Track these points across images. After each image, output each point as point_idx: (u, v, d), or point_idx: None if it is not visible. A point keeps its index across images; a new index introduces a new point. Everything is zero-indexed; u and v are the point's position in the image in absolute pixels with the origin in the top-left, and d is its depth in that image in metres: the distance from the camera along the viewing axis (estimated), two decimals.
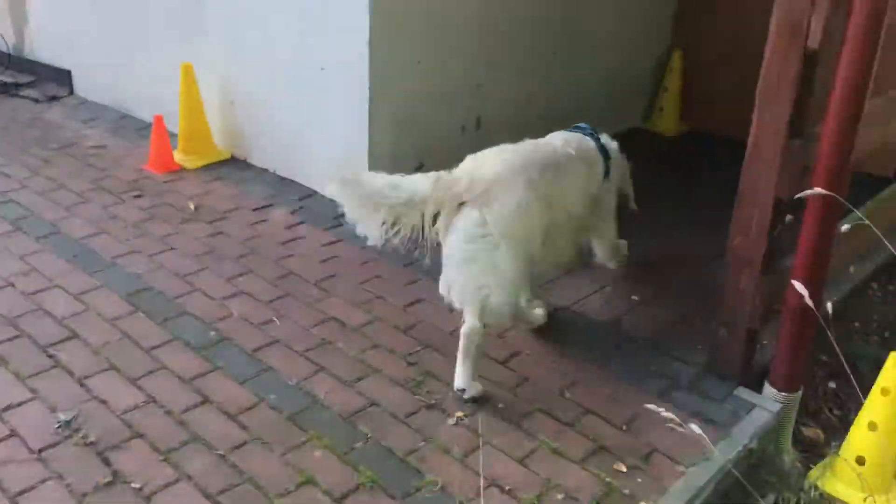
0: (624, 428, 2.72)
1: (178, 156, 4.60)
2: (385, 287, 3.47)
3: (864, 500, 2.54)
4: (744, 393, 2.93)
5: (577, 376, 2.97)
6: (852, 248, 3.29)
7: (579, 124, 3.25)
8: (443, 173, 2.75)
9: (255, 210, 4.11)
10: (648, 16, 5.36)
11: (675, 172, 4.84)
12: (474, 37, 4.21)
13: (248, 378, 2.87)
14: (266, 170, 4.53)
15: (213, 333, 3.11)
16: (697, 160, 5.07)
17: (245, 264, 3.61)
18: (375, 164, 3.95)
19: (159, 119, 4.45)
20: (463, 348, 2.75)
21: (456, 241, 2.67)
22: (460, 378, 2.77)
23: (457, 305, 2.77)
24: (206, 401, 2.75)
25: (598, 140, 3.20)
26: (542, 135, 3.23)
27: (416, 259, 3.67)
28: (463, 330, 2.75)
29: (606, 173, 3.21)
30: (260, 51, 4.30)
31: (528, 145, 2.96)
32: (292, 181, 4.39)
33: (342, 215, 2.96)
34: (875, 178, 4.67)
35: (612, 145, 3.30)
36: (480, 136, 4.47)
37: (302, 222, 4.00)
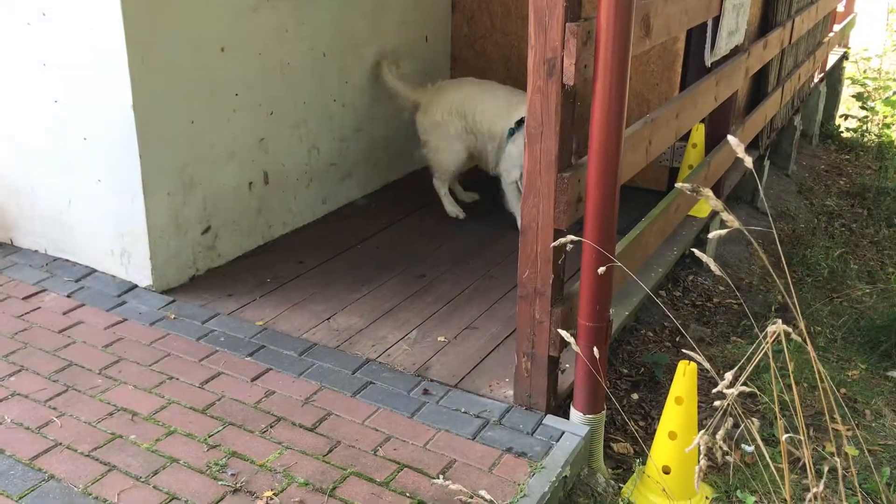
0: (440, 478, 2.67)
1: None
2: (178, 366, 3.24)
3: None
4: (552, 421, 2.97)
5: (390, 431, 2.90)
6: (637, 258, 3.46)
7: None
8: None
9: (24, 298, 3.73)
10: (425, 58, 5.46)
11: (467, 206, 4.92)
12: (251, 91, 4.08)
13: (25, 492, 2.56)
14: (35, 251, 4.14)
15: None
16: (485, 193, 5.19)
17: (16, 362, 3.25)
18: (156, 233, 3.71)
19: None
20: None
21: None
22: (447, 208, 4.80)
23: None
24: None
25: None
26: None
27: (210, 331, 3.50)
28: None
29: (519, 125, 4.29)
30: (11, 124, 3.95)
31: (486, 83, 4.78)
32: (66, 260, 4.04)
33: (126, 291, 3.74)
34: (651, 191, 4.99)
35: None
36: (270, 190, 4.34)
37: (81, 305, 3.68)
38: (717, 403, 1.44)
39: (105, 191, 3.76)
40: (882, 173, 7.40)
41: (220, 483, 2.61)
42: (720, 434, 1.41)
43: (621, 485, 2.97)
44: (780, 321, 1.39)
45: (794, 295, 1.86)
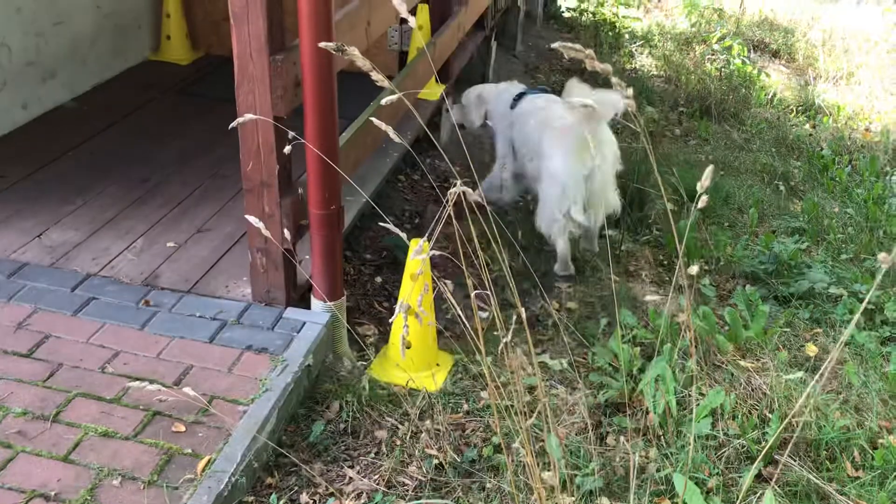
0: (177, 385, 2.56)
1: None
2: None
3: (407, 382, 2.73)
4: (292, 313, 2.94)
5: (118, 346, 2.72)
6: (368, 143, 3.43)
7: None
8: None
9: None
10: None
11: (190, 101, 4.62)
12: None
13: None
14: None
15: None
16: (211, 86, 4.91)
17: None
18: None
19: None
20: None
21: None
22: None
23: None
24: None
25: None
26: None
27: None
28: None
29: None
30: None
31: None
32: None
33: None
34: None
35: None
36: None
37: None
38: (418, 272, 1.46)
39: None
40: (597, 49, 7.91)
41: None
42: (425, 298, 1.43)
43: (365, 363, 3.02)
44: (459, 182, 1.42)
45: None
